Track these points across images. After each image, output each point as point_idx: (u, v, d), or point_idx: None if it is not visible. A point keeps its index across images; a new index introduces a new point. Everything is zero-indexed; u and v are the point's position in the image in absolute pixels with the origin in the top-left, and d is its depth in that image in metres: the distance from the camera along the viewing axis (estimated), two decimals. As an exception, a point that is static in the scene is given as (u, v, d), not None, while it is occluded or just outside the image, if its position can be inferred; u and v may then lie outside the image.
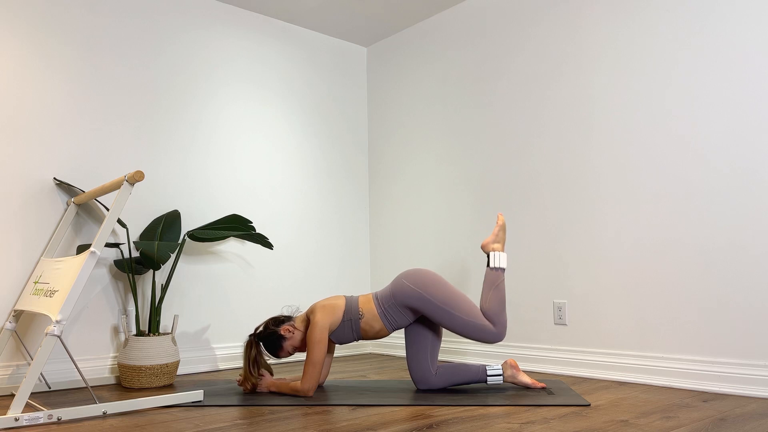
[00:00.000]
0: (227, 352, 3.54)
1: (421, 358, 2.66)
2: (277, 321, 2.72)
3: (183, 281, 3.42)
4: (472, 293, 3.59)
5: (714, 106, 2.67)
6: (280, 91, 3.96)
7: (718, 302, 2.61)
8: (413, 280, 2.66)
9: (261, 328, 2.72)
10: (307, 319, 2.70)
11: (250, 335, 2.72)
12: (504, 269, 2.72)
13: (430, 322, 2.70)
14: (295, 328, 2.69)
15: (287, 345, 2.68)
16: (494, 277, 2.70)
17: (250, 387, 2.64)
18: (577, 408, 2.27)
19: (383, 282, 4.18)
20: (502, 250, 2.76)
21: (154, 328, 2.99)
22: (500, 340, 2.63)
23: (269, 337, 2.68)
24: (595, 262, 3.04)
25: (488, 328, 2.60)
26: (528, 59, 3.41)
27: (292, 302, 3.86)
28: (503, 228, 2.80)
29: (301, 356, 3.84)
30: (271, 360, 3.71)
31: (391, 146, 4.21)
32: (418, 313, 2.66)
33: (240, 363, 3.56)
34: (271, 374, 2.70)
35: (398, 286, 2.67)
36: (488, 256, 2.75)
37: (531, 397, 2.43)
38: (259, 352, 2.68)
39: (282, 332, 2.67)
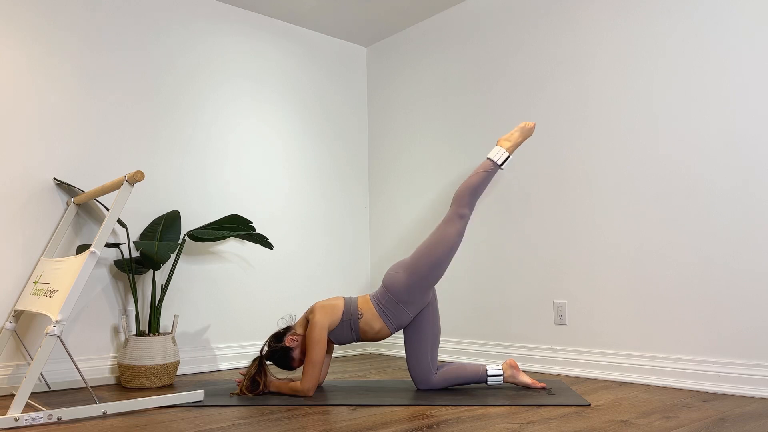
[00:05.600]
0: (227, 352, 3.54)
1: (421, 358, 2.66)
2: (278, 336, 2.70)
3: (183, 281, 3.42)
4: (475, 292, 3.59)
5: (714, 106, 2.67)
6: (280, 90, 3.96)
7: (718, 302, 2.61)
8: (398, 266, 2.70)
9: (266, 349, 2.71)
10: (307, 321, 2.69)
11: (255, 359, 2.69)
12: (496, 163, 2.71)
13: (430, 322, 2.70)
14: (297, 335, 2.69)
15: (296, 354, 2.68)
16: (483, 165, 2.72)
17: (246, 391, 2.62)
18: (577, 408, 2.27)
19: (383, 282, 4.18)
20: (507, 149, 2.75)
21: (154, 328, 2.99)
22: (461, 216, 2.64)
23: (276, 354, 2.67)
24: (595, 262, 3.03)
25: (453, 221, 2.65)
26: (528, 59, 3.41)
27: (292, 302, 3.86)
28: (520, 129, 2.79)
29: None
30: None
31: (391, 146, 4.20)
32: (420, 295, 2.65)
33: (240, 363, 3.56)
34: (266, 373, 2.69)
35: (389, 279, 2.68)
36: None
37: (531, 397, 2.43)
38: (259, 372, 2.63)
39: (287, 344, 2.66)
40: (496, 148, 2.74)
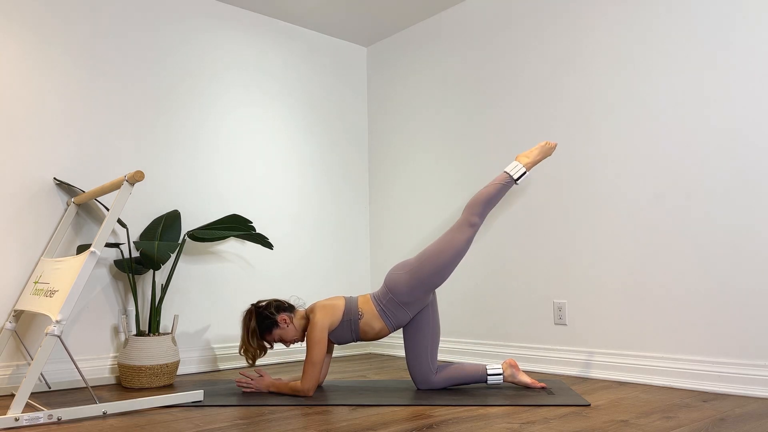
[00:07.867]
0: (227, 352, 3.54)
1: (421, 358, 2.66)
2: (280, 307, 2.69)
3: (183, 281, 3.42)
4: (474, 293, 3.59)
5: (714, 106, 2.67)
6: (281, 90, 3.96)
7: (718, 302, 2.61)
8: (402, 267, 2.69)
9: (263, 304, 2.70)
10: (306, 317, 2.69)
11: (252, 304, 2.70)
12: (512, 177, 2.69)
13: (430, 321, 2.70)
14: (291, 321, 2.68)
15: (276, 333, 2.65)
16: (499, 177, 2.71)
17: (251, 358, 2.62)
18: (577, 408, 2.27)
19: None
20: (525, 165, 2.72)
21: (154, 328, 2.99)
22: (471, 224, 2.64)
23: (265, 318, 2.65)
24: (595, 262, 3.03)
25: (463, 228, 2.64)
26: (528, 59, 3.41)
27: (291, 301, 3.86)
28: (540, 148, 2.78)
29: (299, 356, 3.84)
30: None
31: (391, 146, 4.21)
32: (421, 297, 2.64)
33: (240, 363, 3.56)
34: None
35: (391, 279, 2.68)
36: None
37: (531, 397, 2.43)
38: (257, 326, 2.65)
39: (278, 320, 2.66)
40: (514, 163, 2.73)
